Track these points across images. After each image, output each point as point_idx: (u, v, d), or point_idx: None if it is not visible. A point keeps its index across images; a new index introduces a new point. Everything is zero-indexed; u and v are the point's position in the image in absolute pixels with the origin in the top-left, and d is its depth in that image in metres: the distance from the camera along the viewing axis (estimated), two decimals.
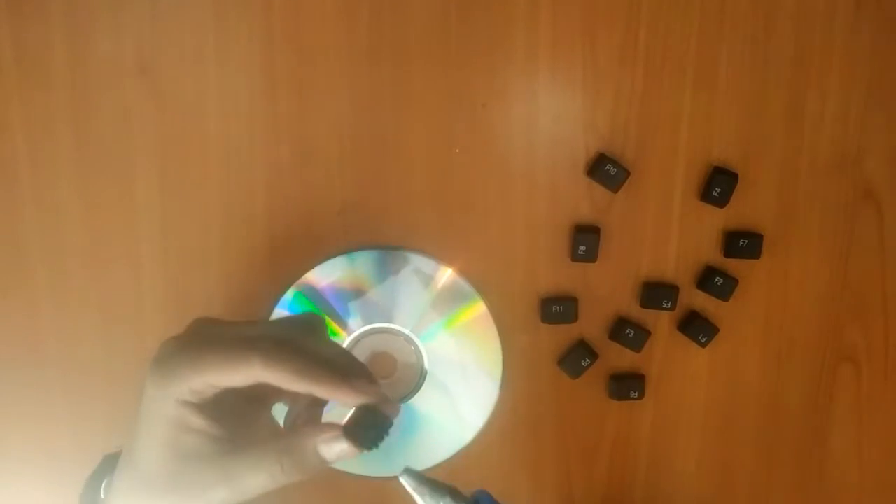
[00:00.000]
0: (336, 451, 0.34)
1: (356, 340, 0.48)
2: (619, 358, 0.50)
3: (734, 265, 0.50)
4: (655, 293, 0.49)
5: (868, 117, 0.49)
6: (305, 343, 0.35)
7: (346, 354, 0.37)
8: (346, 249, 0.48)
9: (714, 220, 0.49)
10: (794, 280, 0.50)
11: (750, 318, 0.51)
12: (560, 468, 0.51)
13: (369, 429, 0.34)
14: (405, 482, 0.34)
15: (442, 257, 0.48)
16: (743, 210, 0.49)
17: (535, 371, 0.50)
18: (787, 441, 0.52)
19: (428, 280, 0.48)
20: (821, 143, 0.49)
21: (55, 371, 0.47)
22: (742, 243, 0.49)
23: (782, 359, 0.51)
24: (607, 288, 0.50)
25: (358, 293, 0.48)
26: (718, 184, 0.48)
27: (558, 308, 0.48)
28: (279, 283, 0.47)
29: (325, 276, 0.47)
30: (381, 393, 0.35)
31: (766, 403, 0.52)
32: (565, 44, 0.47)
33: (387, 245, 0.48)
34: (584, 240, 0.48)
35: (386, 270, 0.48)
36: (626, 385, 0.49)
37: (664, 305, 0.49)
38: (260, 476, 0.33)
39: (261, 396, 0.38)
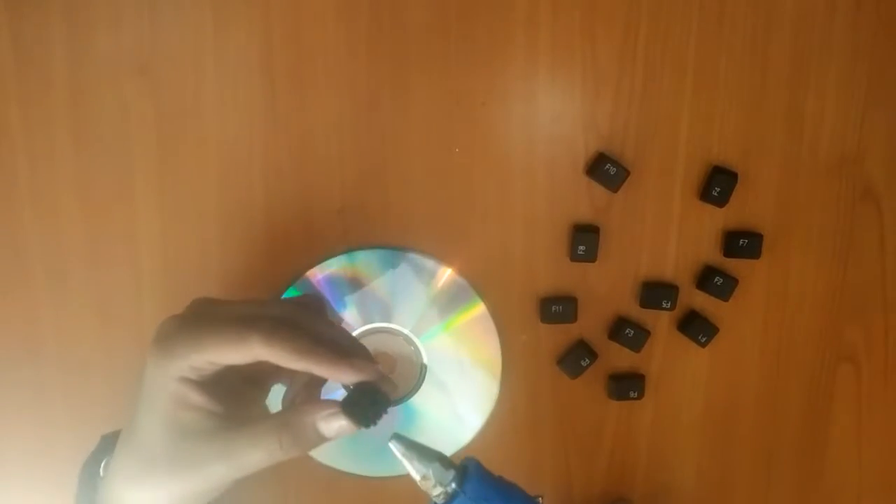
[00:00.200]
0: (335, 427, 0.34)
1: None
2: (619, 358, 0.50)
3: (734, 265, 0.50)
4: (655, 293, 0.49)
5: (868, 117, 0.49)
6: (304, 322, 0.36)
7: (344, 333, 0.38)
8: (345, 249, 0.48)
9: (714, 220, 0.49)
10: (793, 280, 0.50)
11: (750, 317, 0.51)
12: (559, 468, 0.51)
13: (367, 406, 0.34)
14: (394, 448, 0.34)
15: (441, 257, 0.48)
16: (743, 210, 0.49)
17: (535, 371, 0.50)
18: (786, 441, 0.52)
19: (427, 279, 0.48)
20: (820, 143, 0.49)
21: (54, 371, 0.47)
22: (742, 243, 0.49)
23: (782, 358, 0.51)
24: (607, 288, 0.49)
25: (357, 293, 0.48)
26: (718, 183, 0.48)
27: (558, 308, 0.48)
28: (278, 283, 0.47)
29: (325, 275, 0.47)
30: (379, 371, 0.35)
31: (765, 403, 0.52)
32: (565, 43, 0.47)
33: (386, 244, 0.48)
34: (584, 239, 0.48)
35: (385, 270, 0.48)
36: (626, 385, 0.49)
37: (664, 305, 0.49)
38: (258, 452, 0.34)
39: (260, 378, 0.39)
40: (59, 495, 0.48)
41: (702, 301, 0.50)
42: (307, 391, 0.38)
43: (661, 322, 0.50)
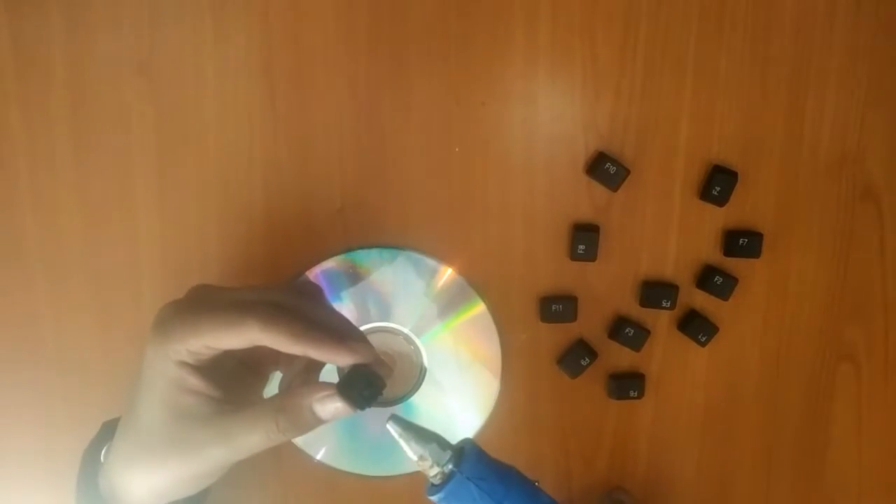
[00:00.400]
0: (331, 409, 0.35)
1: None
2: (619, 357, 0.50)
3: (734, 264, 0.50)
4: (655, 292, 0.49)
5: (868, 116, 0.49)
6: (301, 307, 0.36)
7: (340, 317, 0.38)
8: (345, 248, 0.48)
9: (714, 219, 0.49)
10: (793, 279, 0.50)
11: (749, 317, 0.51)
12: (559, 467, 0.51)
13: (363, 388, 0.34)
14: (391, 429, 0.34)
15: (441, 256, 0.48)
16: (743, 209, 0.49)
17: (535, 370, 0.50)
18: (786, 440, 0.52)
19: (427, 279, 0.48)
20: (821, 142, 0.49)
21: (54, 372, 0.47)
22: (742, 242, 0.49)
23: (782, 358, 0.51)
24: (607, 287, 0.49)
25: (357, 292, 0.48)
26: (718, 182, 0.48)
27: (557, 307, 0.48)
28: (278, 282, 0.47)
29: (324, 274, 0.47)
30: (375, 353, 0.36)
31: (765, 402, 0.52)
32: (565, 42, 0.47)
33: (386, 243, 0.48)
34: (584, 238, 0.48)
35: (385, 269, 0.48)
36: (626, 384, 0.49)
37: (664, 304, 0.49)
38: (256, 434, 0.34)
39: (258, 364, 0.39)
40: (59, 495, 0.48)
41: (702, 300, 0.50)
42: (304, 376, 0.38)
43: (661, 321, 0.50)
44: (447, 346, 0.49)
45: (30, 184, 0.46)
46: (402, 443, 0.34)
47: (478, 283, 0.49)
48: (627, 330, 0.49)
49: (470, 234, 0.48)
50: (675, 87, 0.48)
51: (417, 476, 0.35)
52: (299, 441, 0.48)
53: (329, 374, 0.38)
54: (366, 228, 0.48)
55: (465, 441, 0.35)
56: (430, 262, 0.48)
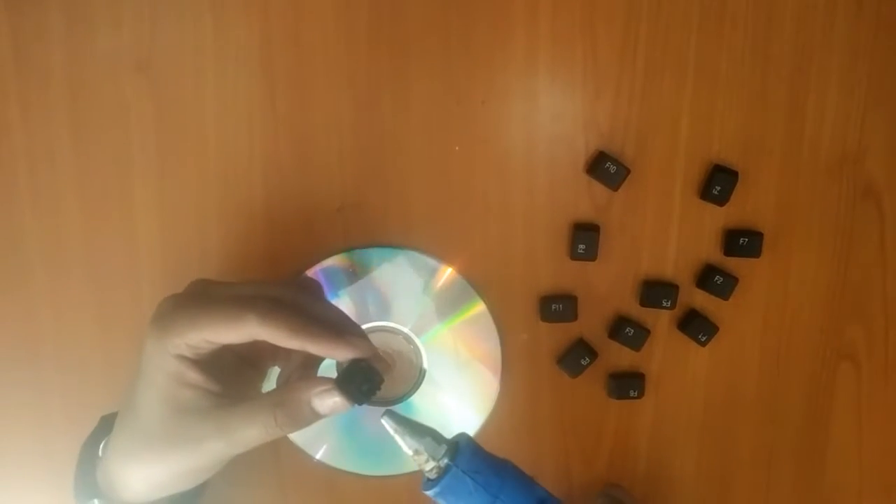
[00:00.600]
0: (329, 404, 0.35)
1: None
2: (619, 357, 0.50)
3: (734, 264, 0.50)
4: (655, 292, 0.49)
5: (868, 116, 0.49)
6: (300, 302, 0.36)
7: (339, 312, 0.38)
8: (345, 247, 0.48)
9: (714, 219, 0.49)
10: (794, 278, 0.50)
11: (750, 316, 0.51)
12: (559, 467, 0.51)
13: (361, 383, 0.35)
14: (386, 424, 0.34)
15: (441, 256, 0.48)
16: (743, 208, 0.49)
17: (535, 370, 0.50)
18: (786, 440, 0.52)
19: (427, 278, 0.48)
20: (821, 142, 0.49)
21: (53, 372, 0.47)
22: (742, 242, 0.48)
23: (782, 357, 0.51)
24: (607, 286, 0.49)
25: (357, 291, 0.48)
26: (718, 182, 0.48)
27: (558, 307, 0.48)
28: None
29: (324, 272, 0.47)
30: (373, 348, 0.36)
31: (765, 402, 0.52)
32: (565, 41, 0.47)
33: (386, 243, 0.48)
34: (584, 238, 0.48)
35: (385, 269, 0.48)
36: (626, 384, 0.49)
37: (664, 304, 0.49)
38: (254, 428, 0.34)
39: (256, 359, 0.39)
40: (59, 495, 0.48)
41: (702, 300, 0.50)
42: (302, 371, 0.38)
43: (662, 321, 0.50)
44: (447, 345, 0.49)
45: (29, 181, 0.46)
46: (398, 437, 0.34)
47: (478, 282, 0.49)
48: (627, 329, 0.49)
49: (470, 234, 0.48)
50: (675, 87, 0.48)
51: (417, 476, 0.35)
52: (298, 440, 0.48)
53: (328, 370, 0.38)
54: (365, 227, 0.48)
55: (461, 435, 0.35)
56: (430, 261, 0.48)
